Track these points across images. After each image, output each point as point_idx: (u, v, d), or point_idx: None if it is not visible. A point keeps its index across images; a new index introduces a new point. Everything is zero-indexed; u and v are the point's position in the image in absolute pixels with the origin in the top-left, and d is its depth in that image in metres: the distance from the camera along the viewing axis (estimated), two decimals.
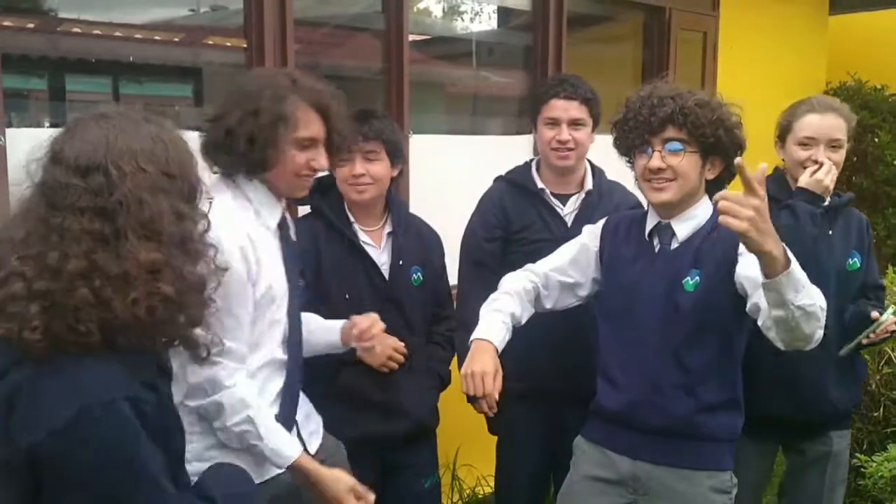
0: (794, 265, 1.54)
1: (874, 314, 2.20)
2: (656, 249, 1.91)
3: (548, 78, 2.47)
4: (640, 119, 1.82)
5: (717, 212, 1.87)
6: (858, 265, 2.32)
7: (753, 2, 4.68)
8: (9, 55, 2.18)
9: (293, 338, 1.83)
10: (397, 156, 2.21)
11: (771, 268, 1.52)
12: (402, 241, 2.25)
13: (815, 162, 2.21)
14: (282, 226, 1.81)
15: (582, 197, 2.39)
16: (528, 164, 2.47)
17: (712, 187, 1.90)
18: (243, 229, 1.69)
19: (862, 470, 2.62)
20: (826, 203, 2.28)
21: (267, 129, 1.67)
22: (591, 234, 2.04)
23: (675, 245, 1.89)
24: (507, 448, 2.52)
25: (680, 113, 1.79)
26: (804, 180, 2.18)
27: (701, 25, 4.37)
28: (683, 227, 1.88)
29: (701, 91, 1.89)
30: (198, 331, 1.22)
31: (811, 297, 1.58)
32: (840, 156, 2.26)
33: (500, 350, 1.83)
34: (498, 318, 1.89)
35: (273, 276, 1.75)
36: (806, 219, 2.13)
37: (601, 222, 2.05)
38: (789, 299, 1.54)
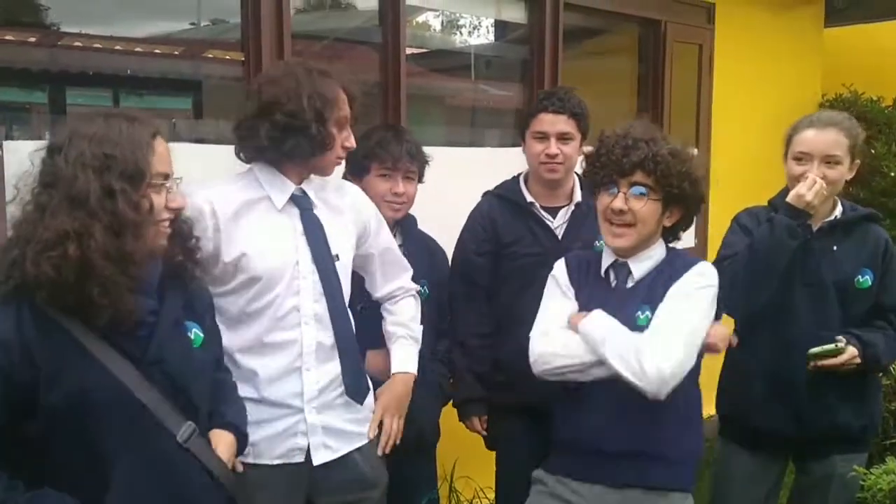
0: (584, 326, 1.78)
1: (839, 337, 2.20)
2: (612, 285, 1.94)
3: (539, 92, 2.47)
4: (613, 158, 1.86)
5: (671, 250, 1.91)
6: (869, 283, 2.28)
7: (749, 14, 4.72)
8: (10, 68, 2.19)
9: (336, 315, 1.86)
10: (422, 176, 2.30)
11: None
12: (410, 254, 2.27)
13: (808, 176, 2.22)
14: (299, 205, 1.86)
15: (571, 209, 2.41)
16: (516, 179, 2.49)
17: (668, 231, 1.95)
18: (219, 200, 1.78)
19: (861, 482, 2.62)
20: (832, 218, 2.29)
21: (318, 111, 1.77)
22: (561, 276, 2.01)
23: (630, 283, 1.92)
24: (506, 460, 2.52)
25: (652, 160, 1.82)
26: (790, 195, 2.19)
27: (696, 38, 4.40)
28: (639, 267, 1.92)
29: (674, 139, 1.93)
30: (107, 295, 1.32)
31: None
32: (837, 172, 2.25)
33: None
34: None
35: (254, 248, 1.78)
36: (782, 232, 2.13)
37: (560, 263, 2.03)
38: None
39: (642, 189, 1.84)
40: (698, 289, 1.84)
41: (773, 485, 2.47)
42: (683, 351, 1.75)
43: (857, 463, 2.29)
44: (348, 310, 1.93)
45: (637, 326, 1.84)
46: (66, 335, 1.34)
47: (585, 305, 1.95)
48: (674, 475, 1.88)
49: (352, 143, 1.89)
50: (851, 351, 2.21)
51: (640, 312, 1.86)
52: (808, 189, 2.16)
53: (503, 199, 2.44)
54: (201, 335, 1.53)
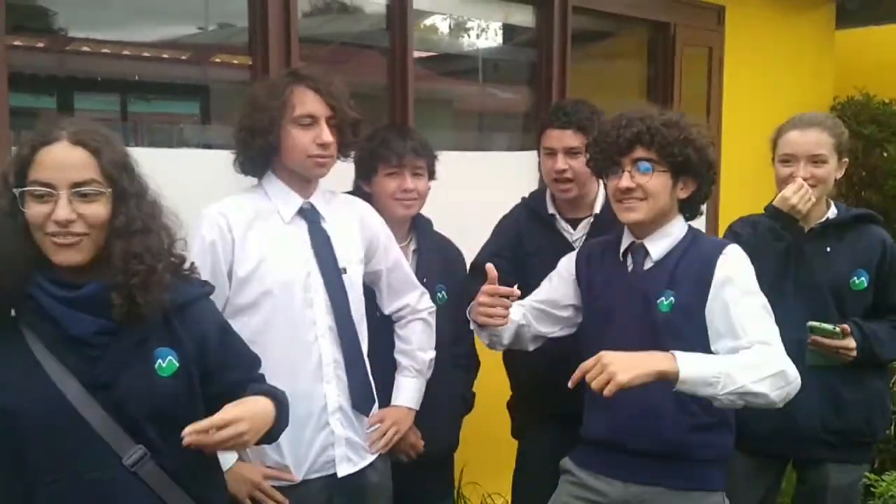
0: (685, 371, 1.61)
1: (843, 325, 2.17)
2: (629, 269, 1.92)
3: (551, 104, 2.47)
4: (609, 140, 1.85)
5: (692, 229, 1.89)
6: (865, 284, 2.26)
7: (759, 17, 4.69)
8: (19, 74, 2.20)
9: (343, 329, 1.87)
10: (432, 173, 2.26)
11: (668, 381, 1.62)
12: (426, 258, 2.26)
13: (795, 179, 2.21)
14: (308, 218, 1.88)
15: (591, 220, 2.36)
16: (543, 188, 2.46)
17: (687, 206, 1.92)
18: (232, 212, 1.82)
19: (872, 489, 2.59)
20: (824, 219, 2.27)
21: (266, 116, 1.80)
22: (565, 263, 2.07)
23: (648, 265, 1.89)
24: (527, 466, 2.50)
25: (647, 133, 1.81)
26: (777, 198, 2.19)
27: (706, 41, 4.37)
28: (657, 247, 1.89)
29: (671, 111, 1.91)
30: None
31: (737, 381, 1.63)
32: (825, 170, 2.24)
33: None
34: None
35: (267, 260, 1.80)
36: (766, 234, 2.12)
37: (573, 253, 2.07)
38: (709, 394, 1.63)
39: (646, 164, 1.82)
40: (751, 277, 1.82)
41: (768, 489, 2.44)
42: (783, 351, 1.74)
43: (852, 474, 2.27)
44: (355, 323, 1.93)
45: (660, 313, 1.82)
46: (23, 346, 1.33)
47: (601, 292, 1.94)
48: (696, 475, 1.86)
49: (325, 138, 1.84)
50: (848, 342, 2.18)
51: (662, 298, 1.83)
52: (794, 192, 2.15)
53: (529, 208, 2.43)
54: (175, 364, 1.43)
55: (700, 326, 1.81)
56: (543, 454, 2.29)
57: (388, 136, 2.20)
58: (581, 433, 1.99)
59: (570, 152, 2.27)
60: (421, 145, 2.21)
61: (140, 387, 1.39)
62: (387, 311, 2.13)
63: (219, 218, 1.79)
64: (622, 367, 1.57)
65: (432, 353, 2.15)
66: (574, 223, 2.37)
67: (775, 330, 1.79)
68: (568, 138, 2.27)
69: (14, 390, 1.32)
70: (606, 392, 1.57)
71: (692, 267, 1.84)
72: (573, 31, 3.63)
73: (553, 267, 2.24)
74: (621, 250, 1.94)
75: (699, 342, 1.81)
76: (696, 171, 1.87)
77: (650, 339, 1.82)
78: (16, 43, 2.27)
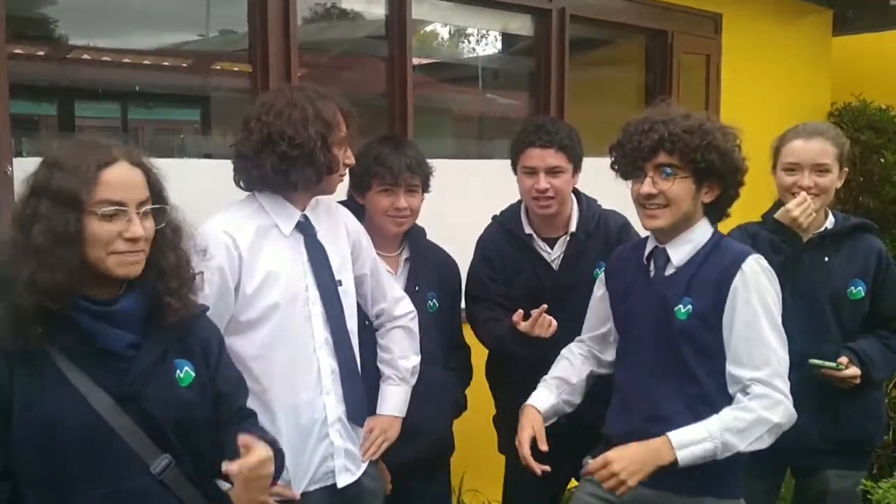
0: (683, 457, 1.73)
1: (841, 359, 2.19)
2: (651, 275, 1.93)
3: (525, 124, 2.43)
4: (632, 145, 1.85)
5: (716, 234, 1.90)
6: (862, 294, 2.27)
7: (756, 24, 4.71)
8: (19, 82, 2.21)
9: (338, 341, 1.88)
10: (427, 187, 2.26)
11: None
12: (418, 267, 2.27)
13: (801, 188, 2.22)
14: (304, 231, 1.88)
15: (567, 239, 2.37)
16: (517, 207, 2.45)
17: (712, 210, 1.92)
18: (236, 231, 1.80)
19: (868, 497, 2.59)
20: (822, 229, 2.28)
21: (323, 137, 1.80)
22: (599, 283, 2.10)
23: (670, 271, 1.90)
24: (513, 488, 2.52)
25: (668, 140, 1.81)
26: (779, 211, 2.19)
27: (703, 48, 4.39)
28: (679, 252, 1.89)
29: (696, 114, 1.90)
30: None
31: (733, 447, 1.74)
32: (828, 180, 2.25)
33: (542, 410, 2.03)
34: (542, 384, 2.09)
35: (272, 275, 1.80)
36: (765, 247, 2.12)
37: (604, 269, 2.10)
38: (709, 460, 1.75)
39: (668, 170, 1.83)
40: (767, 293, 1.83)
41: (773, 489, 2.44)
42: (783, 383, 1.80)
43: (852, 480, 2.25)
44: (350, 335, 1.94)
45: (678, 320, 1.83)
46: (49, 362, 1.36)
47: (625, 297, 1.95)
48: (706, 481, 1.85)
49: (352, 160, 1.92)
50: (853, 371, 2.19)
51: (680, 306, 1.84)
52: (797, 206, 2.16)
53: (505, 228, 2.43)
54: (192, 374, 1.49)
55: (716, 335, 1.82)
56: (528, 471, 2.32)
57: (383, 151, 2.17)
58: (602, 431, 2.01)
59: (552, 171, 2.28)
60: (416, 161, 2.19)
61: (164, 397, 1.44)
62: (370, 314, 2.15)
63: (224, 238, 1.78)
64: (629, 471, 1.73)
65: (415, 359, 2.15)
66: (551, 242, 2.38)
67: (779, 355, 1.81)
68: (550, 157, 2.27)
69: (50, 406, 1.34)
70: (618, 494, 1.76)
71: (711, 276, 1.84)
72: (571, 39, 3.64)
73: (533, 289, 2.30)
74: (645, 254, 1.95)
75: (714, 350, 1.82)
76: (720, 176, 1.86)
77: (666, 346, 1.84)
78: (17, 51, 2.28)
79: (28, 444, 1.34)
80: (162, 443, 1.43)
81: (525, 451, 1.93)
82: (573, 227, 2.36)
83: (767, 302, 1.83)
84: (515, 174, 2.38)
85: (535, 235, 2.37)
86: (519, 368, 2.29)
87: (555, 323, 2.15)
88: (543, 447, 1.95)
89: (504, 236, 2.42)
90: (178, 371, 1.47)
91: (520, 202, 2.45)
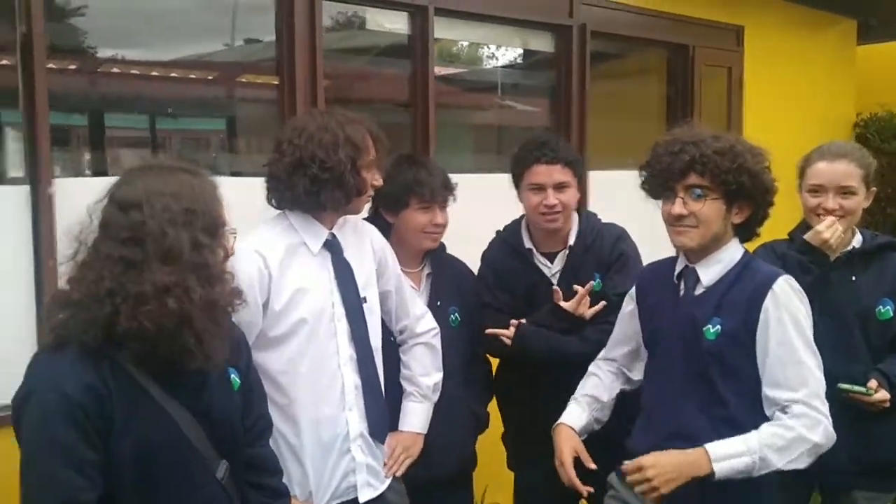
0: (720, 470, 1.70)
1: (871, 383, 2.16)
2: (681, 294, 1.93)
3: (526, 141, 2.44)
4: (662, 166, 1.86)
5: (746, 255, 1.89)
6: (891, 314, 2.23)
7: (778, 35, 4.69)
8: (50, 94, 2.26)
9: (362, 357, 1.92)
10: (451, 202, 2.31)
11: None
12: (440, 282, 2.30)
13: (826, 210, 2.21)
14: (331, 250, 1.93)
15: (566, 253, 2.39)
16: (519, 222, 2.48)
17: (742, 230, 1.92)
18: (266, 249, 1.84)
19: None
20: (850, 248, 2.26)
21: (353, 160, 1.84)
22: (629, 299, 2.10)
23: (699, 290, 1.90)
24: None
25: (699, 161, 1.81)
26: (809, 232, 2.19)
27: (725, 61, 4.38)
28: (708, 273, 1.89)
29: (726, 136, 1.90)
30: (202, 344, 1.37)
31: (771, 464, 1.72)
32: (854, 202, 2.23)
33: (577, 428, 2.02)
34: (574, 402, 2.08)
35: (301, 292, 1.84)
36: (794, 267, 2.11)
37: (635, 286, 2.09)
38: (745, 477, 1.72)
39: (698, 191, 1.82)
40: (798, 313, 1.83)
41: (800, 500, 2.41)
42: (822, 403, 1.77)
43: (881, 502, 2.26)
44: (373, 352, 1.97)
45: (706, 340, 1.83)
46: (136, 385, 1.39)
47: (653, 315, 1.96)
48: (730, 498, 1.82)
49: (379, 181, 1.96)
50: (883, 395, 2.17)
51: (710, 325, 1.82)
52: (827, 228, 2.15)
53: (507, 243, 2.47)
54: (238, 380, 1.56)
55: (746, 356, 1.82)
56: (538, 488, 2.35)
57: (419, 172, 2.23)
58: (626, 444, 2.00)
59: (559, 187, 2.30)
60: (446, 178, 2.26)
61: (227, 406, 1.51)
62: (394, 330, 2.19)
63: (255, 257, 1.83)
64: (663, 479, 1.70)
65: (437, 376, 2.19)
66: (551, 257, 2.41)
67: (816, 375, 1.80)
68: (557, 173, 2.29)
69: (141, 425, 1.37)
70: (648, 498, 1.73)
71: (741, 296, 1.84)
72: (591, 53, 3.65)
73: (533, 299, 2.32)
74: (675, 273, 1.96)
75: (743, 372, 1.82)
76: (750, 197, 1.87)
77: (694, 366, 1.84)
78: (50, 66, 2.34)
79: (126, 468, 1.37)
80: (220, 448, 1.49)
81: (570, 472, 1.92)
82: (571, 242, 2.39)
83: (800, 321, 1.83)
84: (517, 190, 2.41)
85: (534, 250, 2.41)
86: (529, 385, 2.32)
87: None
88: (591, 465, 1.94)
89: (506, 251, 2.45)
90: (232, 377, 1.54)
91: (521, 218, 2.49)
